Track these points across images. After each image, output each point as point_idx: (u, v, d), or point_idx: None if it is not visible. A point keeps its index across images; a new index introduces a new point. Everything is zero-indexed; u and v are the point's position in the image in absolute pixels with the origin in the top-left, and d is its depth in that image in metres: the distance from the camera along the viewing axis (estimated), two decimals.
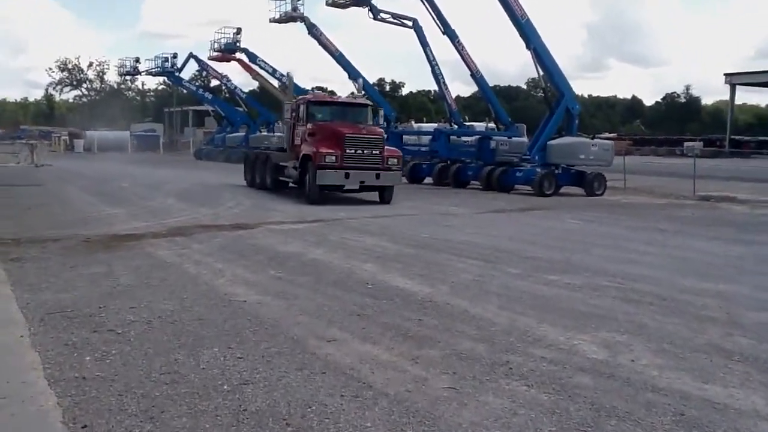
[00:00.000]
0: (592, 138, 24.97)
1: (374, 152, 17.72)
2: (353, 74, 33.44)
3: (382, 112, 22.51)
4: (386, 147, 18.46)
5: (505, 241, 11.83)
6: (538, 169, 23.56)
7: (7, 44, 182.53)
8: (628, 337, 6.06)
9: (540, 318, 6.63)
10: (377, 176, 17.65)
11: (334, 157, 17.25)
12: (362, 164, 17.53)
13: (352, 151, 17.44)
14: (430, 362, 5.26)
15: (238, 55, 46.27)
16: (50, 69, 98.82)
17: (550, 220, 15.85)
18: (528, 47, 24.27)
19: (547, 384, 4.85)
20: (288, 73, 20.39)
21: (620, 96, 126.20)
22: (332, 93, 21.12)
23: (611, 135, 67.45)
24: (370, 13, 30.66)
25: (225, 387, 4.62)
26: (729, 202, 21.09)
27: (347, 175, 17.36)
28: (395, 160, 18.30)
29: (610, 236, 13.10)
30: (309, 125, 18.54)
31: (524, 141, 27.41)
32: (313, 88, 22.57)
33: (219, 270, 8.65)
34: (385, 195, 18.27)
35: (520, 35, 24.33)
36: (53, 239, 10.71)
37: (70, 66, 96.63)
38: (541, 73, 25.20)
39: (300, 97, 21.51)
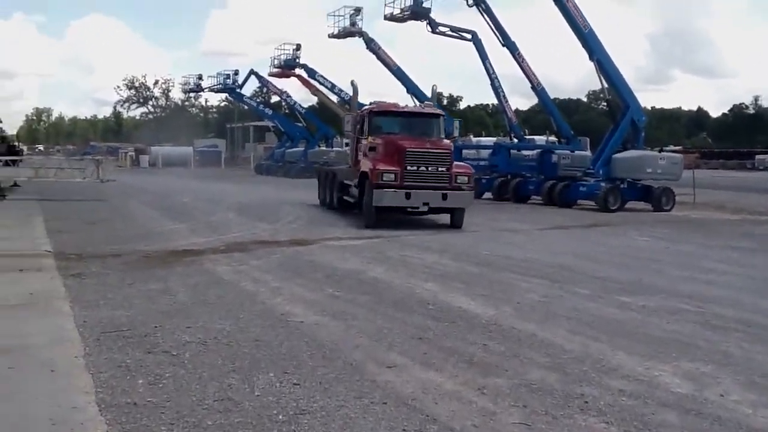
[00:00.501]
0: (660, 151, 24.05)
1: (440, 169, 15.33)
2: (411, 88, 33.25)
3: (457, 123, 18.83)
4: (456, 163, 16.20)
5: (570, 259, 11.32)
6: (603, 184, 22.88)
7: (79, 65, 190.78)
8: (713, 368, 5.56)
9: (614, 344, 6.18)
10: (444, 197, 15.17)
11: (393, 175, 15.10)
12: (426, 183, 15.26)
13: (415, 168, 15.20)
14: (498, 393, 4.90)
15: (297, 70, 46.82)
16: (118, 87, 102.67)
17: (617, 237, 15.22)
18: (591, 58, 23.68)
19: (627, 421, 4.43)
20: (352, 82, 18.46)
21: (685, 108, 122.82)
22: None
23: (676, 148, 65.40)
24: (428, 26, 30.39)
25: (280, 417, 4.36)
26: None
27: (408, 195, 15.06)
28: (465, 179, 15.72)
29: (683, 254, 12.44)
30: (370, 139, 16.48)
31: (587, 155, 26.67)
32: (371, 103, 19.83)
33: (276, 288, 8.47)
34: (455, 218, 15.85)
35: (583, 46, 23.77)
36: (114, 254, 10.76)
37: (136, 84, 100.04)
38: (605, 84, 24.55)
39: (364, 108, 19.76)
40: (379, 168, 15.27)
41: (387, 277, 9.43)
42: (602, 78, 24.05)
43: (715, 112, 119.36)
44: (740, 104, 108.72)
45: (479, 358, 5.72)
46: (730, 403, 4.80)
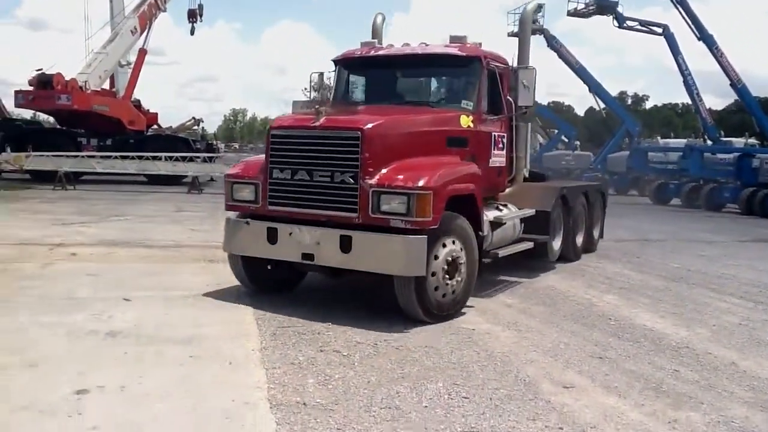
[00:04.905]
0: None
1: (340, 178, 6.73)
2: (594, 87, 31.80)
3: (534, 72, 8.48)
4: (404, 165, 6.80)
5: None
6: None
7: (271, 69, 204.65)
8: None
9: None
10: (344, 243, 6.64)
11: (251, 189, 7.37)
12: (309, 207, 6.93)
13: (286, 174, 7.05)
14: (692, 429, 4.35)
15: None
16: (305, 89, 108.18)
17: None
18: None
19: None
20: (376, 17, 10.39)
21: None
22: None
23: None
24: (614, 21, 28.99)
25: None
26: None
27: (273, 235, 7.08)
28: (402, 201, 6.44)
29: None
30: None
31: None
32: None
33: None
34: (400, 294, 6.71)
35: None
36: None
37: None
38: None
39: None
40: (231, 174, 7.70)
41: (563, 286, 8.93)
42: None
43: None
44: None
45: (669, 386, 5.15)
46: None
